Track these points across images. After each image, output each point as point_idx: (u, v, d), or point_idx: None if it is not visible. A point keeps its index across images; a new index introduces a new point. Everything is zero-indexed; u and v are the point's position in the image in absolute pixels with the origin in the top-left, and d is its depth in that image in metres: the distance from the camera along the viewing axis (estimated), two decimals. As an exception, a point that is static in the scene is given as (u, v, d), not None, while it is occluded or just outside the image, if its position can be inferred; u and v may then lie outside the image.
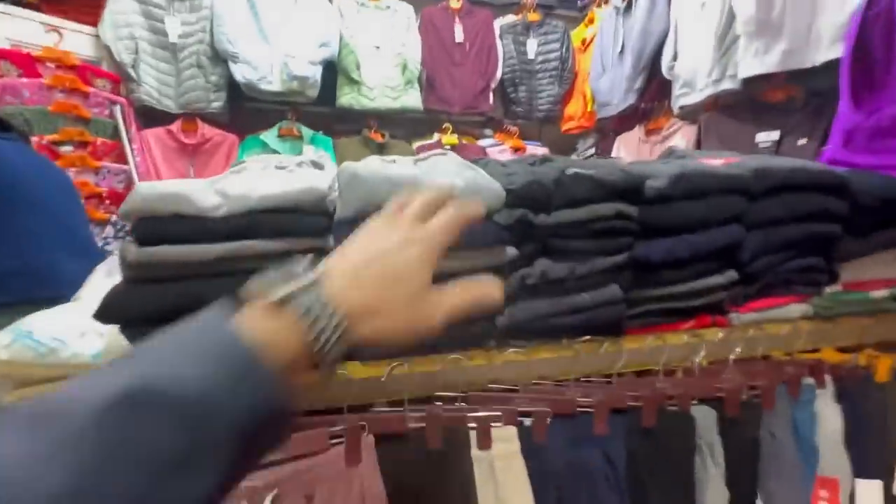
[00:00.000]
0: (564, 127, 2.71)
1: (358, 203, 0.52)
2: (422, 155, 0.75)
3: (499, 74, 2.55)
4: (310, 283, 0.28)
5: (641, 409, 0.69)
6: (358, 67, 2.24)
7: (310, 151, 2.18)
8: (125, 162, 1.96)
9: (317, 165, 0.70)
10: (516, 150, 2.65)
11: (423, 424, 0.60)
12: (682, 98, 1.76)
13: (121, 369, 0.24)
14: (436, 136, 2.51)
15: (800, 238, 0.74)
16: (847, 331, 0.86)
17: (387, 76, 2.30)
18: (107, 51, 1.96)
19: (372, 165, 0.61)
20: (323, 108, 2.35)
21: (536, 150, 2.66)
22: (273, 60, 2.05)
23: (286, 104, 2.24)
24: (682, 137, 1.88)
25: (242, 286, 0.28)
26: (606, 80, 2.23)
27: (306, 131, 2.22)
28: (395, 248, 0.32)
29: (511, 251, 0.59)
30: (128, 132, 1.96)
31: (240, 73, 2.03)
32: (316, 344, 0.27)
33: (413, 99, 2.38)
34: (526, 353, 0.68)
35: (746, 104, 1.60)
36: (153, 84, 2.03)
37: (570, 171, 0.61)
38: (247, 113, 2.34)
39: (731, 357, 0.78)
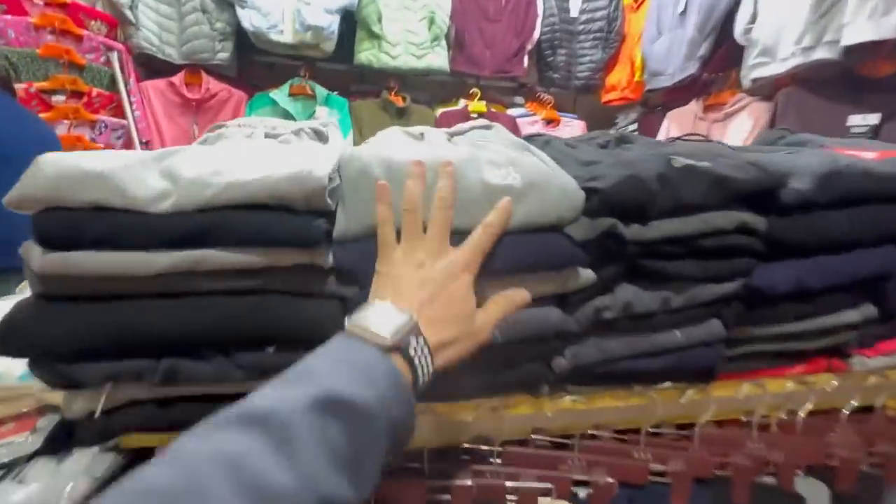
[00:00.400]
0: (605, 98, 2.43)
1: (368, 217, 0.35)
2: (461, 127, 0.56)
3: (536, 35, 2.26)
4: (412, 326, 0.31)
5: (731, 480, 0.53)
6: (379, 20, 1.99)
7: (323, 113, 1.98)
8: (123, 116, 1.79)
9: (319, 135, 0.52)
10: (549, 121, 2.39)
11: (448, 497, 0.45)
12: (758, 69, 1.50)
13: (302, 383, 0.27)
14: (461, 103, 2.27)
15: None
16: None
17: (411, 31, 2.05)
18: (101, -12, 1.75)
19: (391, 146, 0.42)
20: (340, 66, 2.13)
21: (571, 122, 2.41)
22: (285, 6, 1.82)
23: (300, 59, 2.02)
24: (748, 116, 1.63)
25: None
26: (662, 44, 1.94)
27: (320, 91, 2.01)
28: (445, 279, 0.34)
29: (587, 275, 0.41)
30: (126, 83, 1.78)
31: (248, 19, 1.81)
32: (420, 378, 0.31)
33: (439, 59, 2.14)
34: (585, 399, 0.51)
35: (839, 79, 1.34)
36: (153, 29, 1.83)
37: (679, 161, 0.42)
38: (257, 67, 2.13)
39: (846, 411, 0.60)
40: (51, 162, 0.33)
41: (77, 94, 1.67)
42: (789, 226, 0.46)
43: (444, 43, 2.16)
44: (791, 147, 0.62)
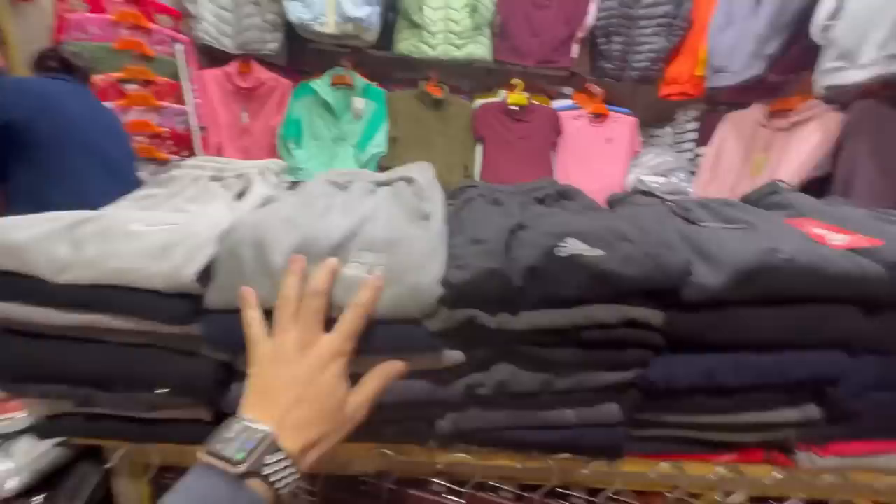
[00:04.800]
0: (664, 91, 2.21)
1: (230, 296, 0.38)
2: (391, 175, 0.57)
3: (590, 21, 2.10)
4: (269, 444, 0.31)
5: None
6: (421, 8, 1.97)
7: (359, 104, 2.03)
8: (184, 103, 1.99)
9: (253, 181, 0.56)
10: (596, 115, 2.24)
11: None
12: (834, 75, 1.28)
13: None
14: (502, 94, 2.20)
15: (952, 378, 0.46)
16: None
17: (452, 20, 2.00)
18: (168, -17, 1.91)
19: (289, 210, 0.45)
20: (385, 54, 2.15)
21: (620, 117, 2.23)
22: (327, -2, 1.87)
23: (345, 48, 2.08)
24: (818, 129, 1.41)
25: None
26: (730, 36, 1.71)
27: (359, 81, 2.05)
28: (312, 374, 0.34)
29: (453, 356, 0.42)
30: (188, 72, 1.96)
31: (294, 12, 1.89)
32: (282, 490, 0.31)
33: (481, 48, 2.07)
34: (477, 455, 0.53)
35: (933, 94, 1.11)
36: (212, 20, 1.97)
37: (563, 250, 0.40)
38: (306, 56, 2.22)
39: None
40: (-8, 230, 0.40)
41: (146, 83, 1.87)
42: (691, 321, 0.42)
43: (487, 31, 2.09)
44: (763, 212, 0.56)
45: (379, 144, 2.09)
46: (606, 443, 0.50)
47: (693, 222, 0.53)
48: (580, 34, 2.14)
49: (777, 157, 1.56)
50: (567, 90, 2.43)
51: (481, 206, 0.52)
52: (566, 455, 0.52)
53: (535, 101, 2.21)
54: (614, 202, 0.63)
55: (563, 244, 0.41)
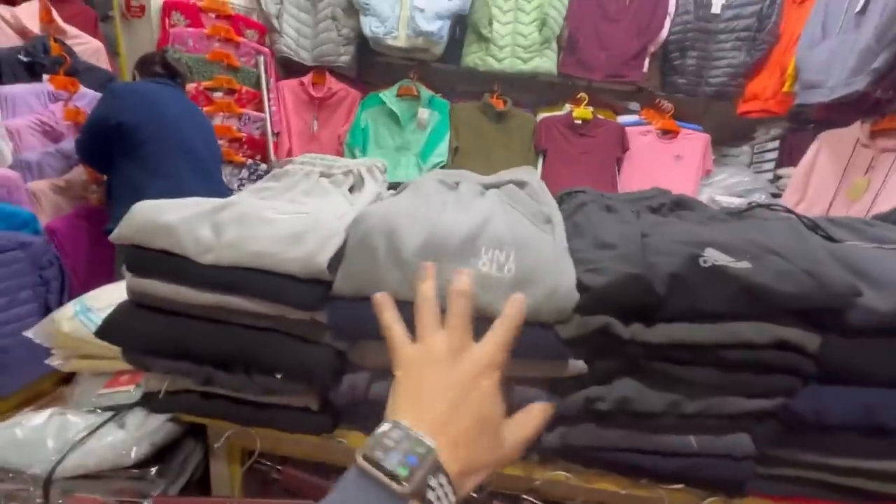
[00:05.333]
0: (743, 108, 2.10)
1: (360, 284, 0.38)
2: (499, 179, 0.57)
3: (663, 35, 2.04)
4: (432, 463, 0.28)
5: None
6: (490, 23, 1.99)
7: (424, 114, 2.07)
8: (262, 110, 2.12)
9: (364, 178, 0.57)
10: (665, 132, 2.16)
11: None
12: (956, 90, 1.15)
13: None
14: (566, 108, 2.17)
15: None
16: None
17: (520, 33, 2.01)
18: (257, 1, 2.06)
19: (411, 204, 0.45)
20: (451, 66, 2.19)
21: (691, 134, 2.13)
22: (401, 13, 1.94)
23: (412, 60, 2.14)
24: (934, 149, 1.27)
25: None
26: (825, 50, 1.60)
27: (424, 92, 2.10)
28: (467, 382, 0.31)
29: (576, 366, 0.39)
30: (268, 82, 2.09)
31: (368, 26, 1.97)
32: None
33: (547, 61, 2.06)
34: (579, 476, 0.50)
35: None
36: (292, 35, 2.10)
37: (709, 259, 0.37)
38: (374, 68, 2.31)
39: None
40: (139, 211, 0.43)
41: (231, 92, 2.01)
42: (855, 349, 0.38)
43: (554, 45, 2.08)
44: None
45: (441, 154, 2.11)
46: (730, 477, 0.45)
47: (834, 240, 0.48)
48: (652, 48, 2.08)
49: (881, 179, 1.42)
50: (634, 105, 2.37)
51: (595, 211, 0.50)
52: (680, 486, 0.47)
53: (600, 116, 2.16)
54: (732, 214, 0.58)
55: (703, 253, 0.38)
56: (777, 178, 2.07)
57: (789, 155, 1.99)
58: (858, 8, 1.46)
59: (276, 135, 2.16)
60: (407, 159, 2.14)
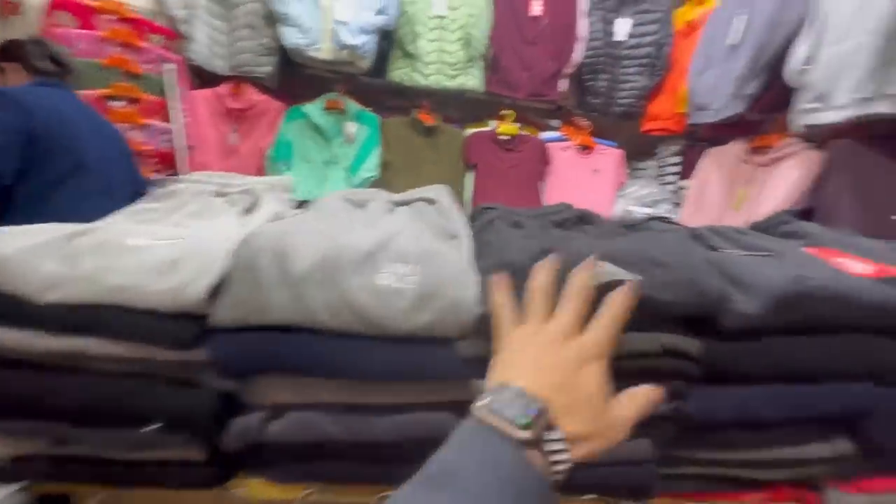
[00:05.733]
0: (646, 126, 2.31)
1: (249, 309, 0.35)
2: (408, 196, 0.55)
3: (576, 58, 2.19)
4: (548, 419, 0.28)
5: None
6: (415, 40, 2.02)
7: (352, 129, 2.03)
8: (170, 121, 1.94)
9: (262, 197, 0.53)
10: (584, 148, 2.31)
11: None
12: (810, 115, 1.36)
13: (447, 489, 0.24)
14: (492, 124, 2.24)
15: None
16: None
17: (446, 51, 2.06)
18: (161, 4, 1.90)
19: (310, 223, 0.42)
20: (378, 81, 2.18)
21: (606, 149, 2.31)
22: (324, 25, 1.89)
23: (339, 73, 2.10)
24: (797, 165, 1.48)
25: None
26: (709, 77, 1.81)
27: (352, 106, 2.06)
28: (579, 362, 0.31)
29: (478, 387, 0.39)
30: (177, 92, 1.93)
31: (290, 37, 1.90)
32: (558, 471, 0.28)
33: (473, 79, 2.13)
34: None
35: (902, 135, 1.18)
36: (205, 41, 1.96)
37: (597, 277, 0.39)
38: (298, 80, 2.23)
39: (815, 550, 0.53)
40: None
41: (133, 101, 1.83)
42: (731, 351, 0.41)
43: (480, 63, 2.15)
44: (779, 240, 0.56)
45: (370, 169, 2.08)
46: (636, 481, 0.46)
47: (714, 248, 0.53)
48: (567, 70, 2.23)
49: (758, 191, 1.62)
50: (555, 123, 2.51)
51: (503, 228, 0.50)
52: (592, 496, 0.48)
53: (524, 132, 2.27)
54: (630, 227, 0.62)
55: (596, 276, 0.39)
56: (680, 189, 2.30)
57: (689, 168, 2.22)
58: (734, 42, 1.68)
59: (191, 148, 2.00)
60: (336, 174, 2.07)
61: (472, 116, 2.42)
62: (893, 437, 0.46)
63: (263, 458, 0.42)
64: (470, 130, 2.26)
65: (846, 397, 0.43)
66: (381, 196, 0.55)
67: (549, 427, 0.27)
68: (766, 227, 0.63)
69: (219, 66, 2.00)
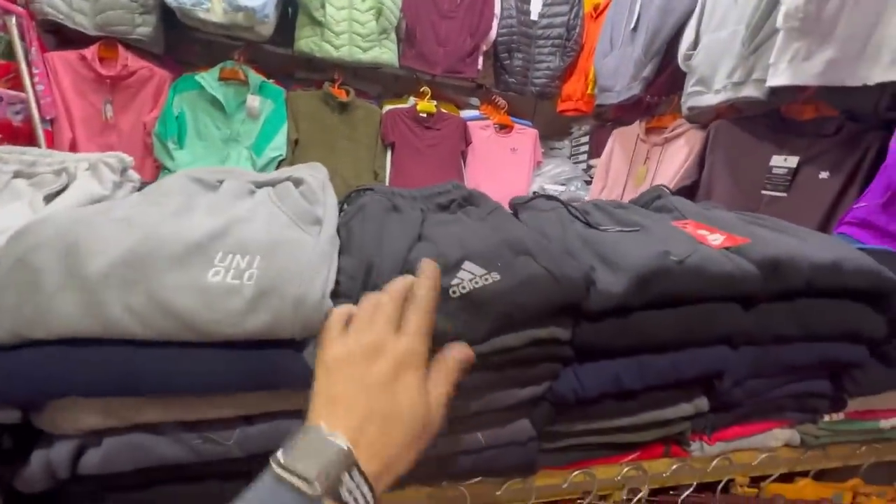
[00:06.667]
0: (560, 107, 2.39)
1: (21, 318, 0.27)
2: (274, 177, 0.49)
3: (493, 35, 2.18)
4: (346, 461, 0.27)
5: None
6: (322, 6, 1.86)
7: (254, 102, 1.84)
8: (23, 89, 1.62)
9: (79, 178, 0.43)
10: (502, 127, 2.34)
11: None
12: (694, 98, 1.47)
13: None
14: (411, 101, 2.18)
15: (810, 362, 0.52)
16: (833, 455, 0.67)
17: (357, 21, 1.93)
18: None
19: (124, 210, 0.35)
20: (285, 50, 1.99)
21: (524, 129, 2.36)
22: (212, -18, 1.67)
23: (238, 40, 1.87)
24: (685, 144, 1.61)
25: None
26: (612, 60, 1.90)
27: (254, 77, 1.87)
28: (384, 387, 0.30)
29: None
30: (26, 52, 1.60)
31: (170, -7, 1.65)
32: None
33: (387, 52, 2.03)
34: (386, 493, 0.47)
35: (766, 118, 1.33)
36: (60, -7, 1.64)
37: (460, 287, 0.37)
38: (190, 45, 1.97)
39: (682, 498, 0.58)
40: None
41: (-36, 62, 1.48)
42: (598, 330, 0.42)
43: (393, 36, 2.05)
44: (651, 214, 0.58)
45: (278, 147, 1.92)
46: (520, 461, 0.47)
47: (592, 226, 0.54)
48: (485, 47, 2.21)
49: (654, 168, 1.75)
50: (474, 101, 2.50)
51: (377, 214, 0.46)
52: (477, 479, 0.48)
53: (443, 110, 2.23)
54: (517, 206, 0.61)
55: (457, 275, 0.37)
56: (589, 167, 2.43)
57: (597, 148, 2.35)
58: (632, 26, 1.76)
59: (50, 122, 1.68)
60: (238, 153, 1.88)
61: (390, 93, 2.33)
62: (740, 392, 0.51)
63: (87, 495, 0.36)
64: (387, 107, 2.17)
65: (703, 361, 0.47)
66: (242, 176, 0.48)
67: (349, 470, 0.27)
68: (644, 202, 0.66)
69: (83, 23, 1.69)
